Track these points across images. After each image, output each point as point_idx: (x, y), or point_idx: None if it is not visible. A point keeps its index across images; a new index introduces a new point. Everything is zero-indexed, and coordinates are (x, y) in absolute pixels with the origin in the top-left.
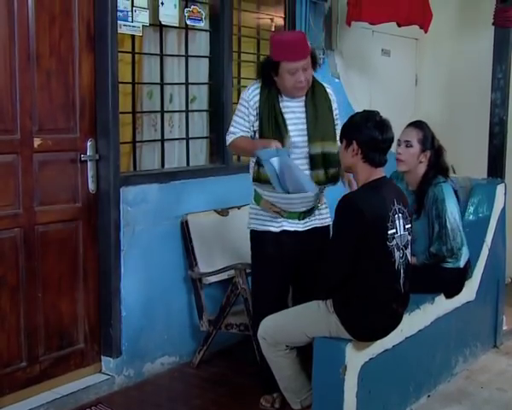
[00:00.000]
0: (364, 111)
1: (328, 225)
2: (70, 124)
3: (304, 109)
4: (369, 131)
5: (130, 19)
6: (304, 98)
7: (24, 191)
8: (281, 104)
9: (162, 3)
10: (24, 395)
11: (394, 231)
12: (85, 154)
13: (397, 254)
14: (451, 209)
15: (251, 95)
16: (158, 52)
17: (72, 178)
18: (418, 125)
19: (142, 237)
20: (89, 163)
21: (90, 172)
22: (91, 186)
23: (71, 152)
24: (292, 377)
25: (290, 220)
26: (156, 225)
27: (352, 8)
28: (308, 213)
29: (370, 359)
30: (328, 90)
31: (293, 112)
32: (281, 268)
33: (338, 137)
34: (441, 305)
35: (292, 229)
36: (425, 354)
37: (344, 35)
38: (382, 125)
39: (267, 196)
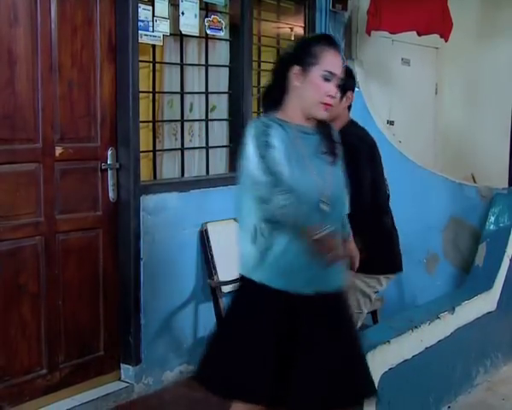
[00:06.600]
0: None
1: None
2: (91, 133)
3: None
4: None
5: (150, 29)
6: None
7: (45, 200)
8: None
9: (183, 13)
10: (44, 401)
11: None
12: (106, 162)
13: None
14: None
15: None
16: (178, 61)
17: (93, 186)
18: None
19: (161, 245)
20: (109, 172)
21: (111, 181)
22: (112, 195)
23: (92, 161)
24: None
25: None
26: (176, 234)
27: (372, 18)
28: None
29: (390, 369)
30: None
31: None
32: None
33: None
34: (461, 315)
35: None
36: (445, 365)
37: (364, 44)
38: None
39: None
